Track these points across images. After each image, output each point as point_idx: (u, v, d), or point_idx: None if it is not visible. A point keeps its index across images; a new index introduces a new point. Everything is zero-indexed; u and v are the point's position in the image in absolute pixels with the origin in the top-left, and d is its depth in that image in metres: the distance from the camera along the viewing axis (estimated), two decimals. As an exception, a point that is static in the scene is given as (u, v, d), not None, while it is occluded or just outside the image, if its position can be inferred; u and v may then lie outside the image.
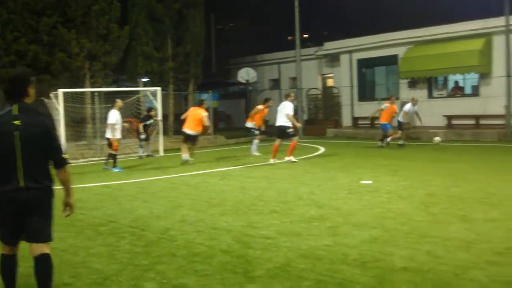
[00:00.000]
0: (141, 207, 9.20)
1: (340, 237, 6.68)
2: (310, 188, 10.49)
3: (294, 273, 5.34)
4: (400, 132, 18.82)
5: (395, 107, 18.80)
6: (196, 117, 15.37)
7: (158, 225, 7.76)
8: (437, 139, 18.87)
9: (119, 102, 15.41)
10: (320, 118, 30.03)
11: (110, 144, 15.18)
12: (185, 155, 15.46)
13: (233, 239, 6.75)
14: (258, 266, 5.60)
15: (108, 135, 15.14)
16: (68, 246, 6.72)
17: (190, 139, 15.54)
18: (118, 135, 15.06)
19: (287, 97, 15.32)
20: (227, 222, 7.75)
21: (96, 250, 6.50)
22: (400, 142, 18.73)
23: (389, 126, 18.63)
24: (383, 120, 18.78)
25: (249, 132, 18.03)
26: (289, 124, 14.91)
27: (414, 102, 19.10)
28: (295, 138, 15.11)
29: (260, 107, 17.41)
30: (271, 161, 15.05)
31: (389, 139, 18.76)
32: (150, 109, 19.64)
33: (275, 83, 34.30)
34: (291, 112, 14.82)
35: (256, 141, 17.28)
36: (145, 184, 12.04)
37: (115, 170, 14.90)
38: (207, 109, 15.98)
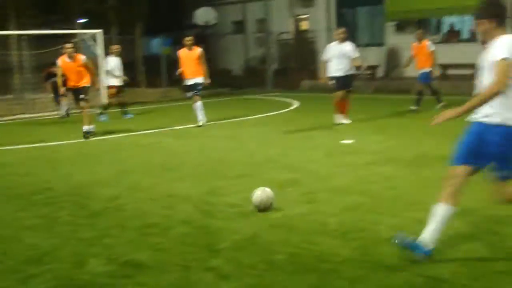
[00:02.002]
0: (82, 172, 9.17)
1: (317, 204, 6.80)
2: (282, 149, 10.59)
3: (265, 245, 5.44)
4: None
5: (426, 44, 15.93)
6: None
7: (103, 192, 7.76)
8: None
9: (115, 48, 17.46)
10: (292, 67, 30.05)
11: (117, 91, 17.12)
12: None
13: (193, 207, 6.81)
14: (223, 238, 5.68)
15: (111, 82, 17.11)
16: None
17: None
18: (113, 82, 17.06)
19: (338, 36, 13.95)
20: (185, 188, 7.79)
21: (31, 222, 6.48)
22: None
23: (425, 75, 15.81)
24: (419, 66, 15.92)
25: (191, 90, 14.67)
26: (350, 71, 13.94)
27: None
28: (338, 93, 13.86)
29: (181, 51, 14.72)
30: (344, 121, 13.78)
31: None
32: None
33: (239, 26, 34.04)
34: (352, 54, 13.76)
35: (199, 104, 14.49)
36: (86, 145, 11.98)
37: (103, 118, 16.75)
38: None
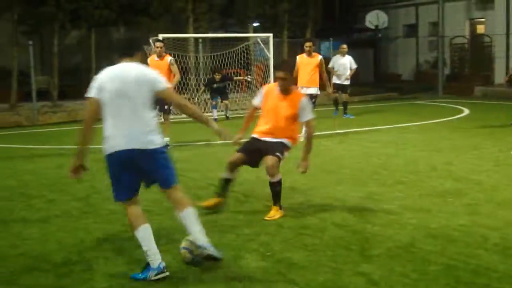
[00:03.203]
0: (247, 171, 9.39)
1: (480, 216, 6.60)
2: (446, 158, 10.33)
3: (420, 255, 5.38)
4: None
5: None
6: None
7: (264, 191, 7.99)
8: None
9: (342, 47, 17.96)
10: (465, 73, 28.95)
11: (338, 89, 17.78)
12: None
13: (349, 212, 6.87)
14: (377, 244, 5.69)
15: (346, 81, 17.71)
16: (164, 210, 7.13)
17: None
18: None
19: None
20: (343, 192, 7.87)
21: (195, 216, 6.86)
22: None
23: None
24: None
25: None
26: None
27: None
28: None
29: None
30: None
31: None
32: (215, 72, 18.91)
33: (411, 30, 33.39)
34: None
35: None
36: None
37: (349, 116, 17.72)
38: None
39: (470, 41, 29.63)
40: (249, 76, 19.14)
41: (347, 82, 17.83)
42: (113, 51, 5.48)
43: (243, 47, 21.52)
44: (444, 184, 8.27)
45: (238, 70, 21.59)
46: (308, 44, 13.19)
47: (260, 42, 21.44)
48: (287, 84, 6.92)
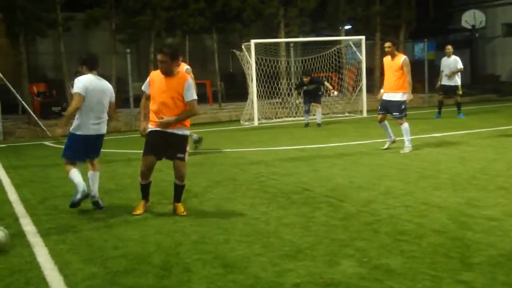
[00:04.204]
0: (340, 175, 9.48)
1: None
2: (550, 162, 9.92)
3: (524, 263, 5.18)
4: None
5: None
6: None
7: (358, 196, 7.96)
8: None
9: (447, 48, 18.13)
10: None
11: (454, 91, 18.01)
12: None
13: (448, 218, 6.70)
14: (478, 251, 5.51)
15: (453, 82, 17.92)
16: (259, 214, 7.23)
17: None
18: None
19: None
20: (441, 197, 7.68)
21: (289, 220, 6.90)
22: None
23: None
24: None
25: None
26: None
27: None
28: None
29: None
30: None
31: None
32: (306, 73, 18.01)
33: (510, 29, 32.22)
34: None
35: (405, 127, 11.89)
36: (345, 149, 12.32)
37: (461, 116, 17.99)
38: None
39: None
40: (335, 92, 18.79)
41: (455, 83, 17.83)
42: (84, 63, 7.66)
43: (334, 50, 21.45)
44: (549, 190, 7.93)
45: (330, 74, 21.52)
46: (386, 44, 11.81)
47: (352, 45, 21.33)
48: (168, 66, 7.17)
